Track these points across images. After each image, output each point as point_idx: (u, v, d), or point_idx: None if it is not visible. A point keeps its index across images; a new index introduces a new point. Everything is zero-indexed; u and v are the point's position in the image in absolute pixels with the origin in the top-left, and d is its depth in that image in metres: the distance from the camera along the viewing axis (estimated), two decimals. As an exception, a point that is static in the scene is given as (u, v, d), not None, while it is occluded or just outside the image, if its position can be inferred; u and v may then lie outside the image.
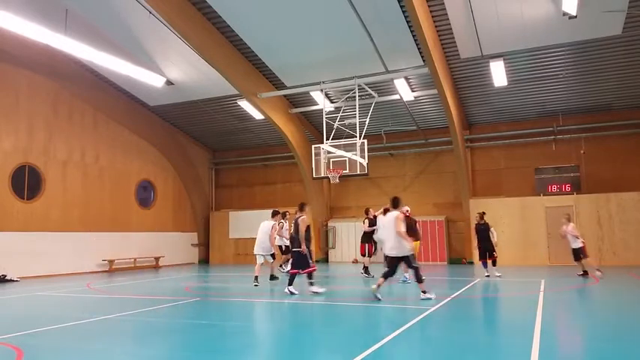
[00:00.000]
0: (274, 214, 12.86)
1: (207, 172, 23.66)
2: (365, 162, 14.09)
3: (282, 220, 13.50)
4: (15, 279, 14.41)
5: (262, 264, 12.43)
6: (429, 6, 12.66)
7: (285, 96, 18.17)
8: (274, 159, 22.46)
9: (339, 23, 13.41)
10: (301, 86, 16.74)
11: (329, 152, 14.63)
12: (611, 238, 16.29)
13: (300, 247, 10.02)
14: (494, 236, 12.96)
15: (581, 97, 16.69)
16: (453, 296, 9.37)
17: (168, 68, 16.50)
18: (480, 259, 13.10)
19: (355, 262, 14.43)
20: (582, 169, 17.53)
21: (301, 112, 19.32)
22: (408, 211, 12.38)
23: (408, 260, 9.03)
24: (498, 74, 15.01)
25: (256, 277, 12.00)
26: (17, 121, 15.39)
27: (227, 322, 7.55)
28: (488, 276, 12.71)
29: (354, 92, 15.44)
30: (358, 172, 14.37)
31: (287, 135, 18.36)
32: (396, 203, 9.40)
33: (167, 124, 21.13)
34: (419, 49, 14.15)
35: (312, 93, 17.39)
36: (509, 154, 18.85)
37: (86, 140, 17.57)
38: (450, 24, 13.30)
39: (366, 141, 14.34)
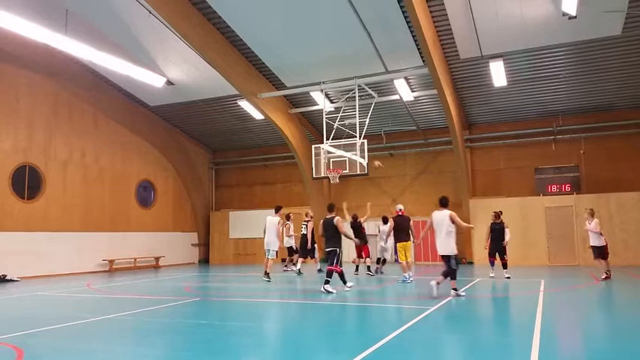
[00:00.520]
0: (278, 210, 13.35)
1: (207, 172, 23.66)
2: (365, 162, 14.09)
3: (287, 222, 13.72)
4: (15, 279, 14.41)
5: (273, 259, 12.98)
6: (429, 6, 12.66)
7: (285, 96, 18.17)
8: (274, 159, 22.47)
9: (339, 23, 13.41)
10: (301, 86, 16.74)
11: (329, 152, 14.63)
12: (611, 238, 16.17)
13: (335, 247, 10.28)
14: (507, 237, 12.77)
15: (581, 97, 16.69)
16: (453, 296, 9.37)
17: (169, 68, 16.50)
18: (490, 257, 12.95)
19: (355, 262, 14.48)
20: (582, 169, 17.54)
21: (301, 112, 19.32)
22: (401, 210, 12.35)
23: (450, 260, 9.16)
24: (498, 74, 15.01)
25: (267, 273, 12.50)
26: (17, 121, 15.39)
27: (227, 322, 7.55)
28: (492, 277, 12.59)
29: (354, 92, 15.45)
30: (358, 172, 14.37)
31: (287, 135, 18.36)
32: (444, 202, 9.53)
33: (167, 124, 21.14)
34: (419, 49, 14.15)
35: (312, 93, 17.39)
36: (509, 154, 18.85)
37: (86, 140, 17.57)
38: (449, 24, 13.30)
39: (366, 141, 14.34)
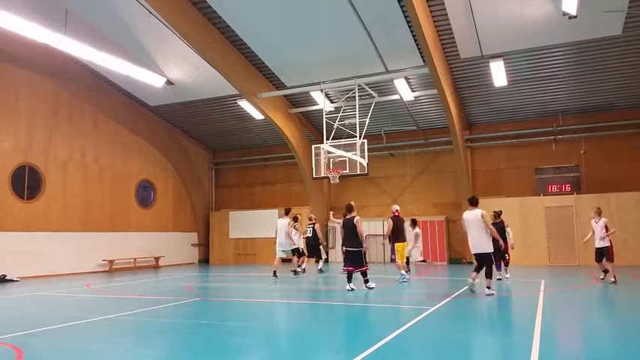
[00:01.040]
0: (287, 212, 14.35)
1: (207, 172, 23.66)
2: (365, 162, 14.09)
3: (295, 224, 14.14)
4: (15, 279, 14.40)
5: (283, 258, 13.85)
6: (429, 6, 12.66)
7: (285, 96, 18.17)
8: (274, 159, 22.46)
9: (339, 23, 13.41)
10: (301, 86, 16.73)
11: (329, 152, 14.63)
12: (611, 238, 16.23)
13: (355, 247, 10.37)
14: (511, 237, 12.63)
15: (581, 97, 16.69)
16: (453, 296, 9.38)
17: (168, 68, 16.50)
18: (495, 261, 12.71)
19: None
20: (582, 169, 17.54)
21: (301, 112, 19.32)
22: (397, 210, 12.31)
23: (489, 258, 9.44)
24: (498, 74, 15.01)
25: (275, 272, 13.21)
26: (17, 121, 15.39)
27: (227, 322, 7.54)
28: (500, 279, 12.12)
29: (354, 92, 15.44)
30: (358, 172, 14.37)
31: (287, 135, 18.36)
32: (474, 201, 9.81)
33: (167, 124, 21.13)
34: (419, 49, 14.15)
35: (312, 93, 17.38)
36: (510, 154, 18.85)
37: (86, 140, 17.57)
38: (450, 24, 13.30)
39: (366, 141, 14.34)
